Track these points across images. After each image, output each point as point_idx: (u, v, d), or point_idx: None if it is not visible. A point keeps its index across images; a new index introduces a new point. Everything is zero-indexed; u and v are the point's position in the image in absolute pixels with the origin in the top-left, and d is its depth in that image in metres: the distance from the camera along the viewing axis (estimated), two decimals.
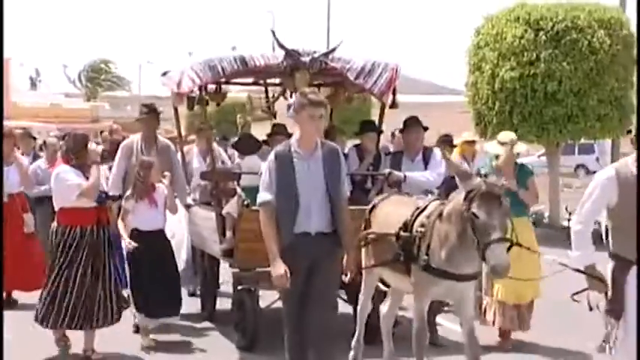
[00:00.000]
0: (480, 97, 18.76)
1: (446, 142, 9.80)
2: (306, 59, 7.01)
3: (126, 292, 7.07)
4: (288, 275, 5.00)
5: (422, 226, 5.47)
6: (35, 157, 10.82)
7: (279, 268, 5.05)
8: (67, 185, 6.62)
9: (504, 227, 4.91)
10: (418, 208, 5.66)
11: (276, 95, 8.12)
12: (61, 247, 6.61)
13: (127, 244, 6.92)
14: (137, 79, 49.30)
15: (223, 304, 8.09)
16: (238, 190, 6.98)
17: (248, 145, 7.39)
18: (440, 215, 5.36)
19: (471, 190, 4.99)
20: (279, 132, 7.28)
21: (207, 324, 7.93)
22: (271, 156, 5.25)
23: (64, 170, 6.70)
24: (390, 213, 5.93)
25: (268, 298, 7.12)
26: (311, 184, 5.13)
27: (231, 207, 6.99)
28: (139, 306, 7.00)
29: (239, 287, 7.06)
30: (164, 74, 8.07)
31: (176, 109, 8.19)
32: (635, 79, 17.98)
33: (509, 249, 4.94)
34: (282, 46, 7.03)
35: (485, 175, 5.12)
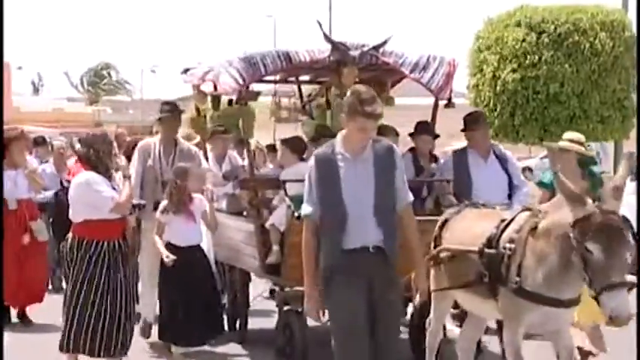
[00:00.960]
0: (482, 100, 18.71)
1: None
2: (355, 53, 6.01)
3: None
4: (322, 312, 4.14)
5: (511, 241, 4.44)
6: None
7: (312, 300, 4.16)
8: (102, 197, 5.58)
9: (625, 268, 3.95)
10: (503, 221, 4.63)
11: (313, 94, 7.03)
12: (81, 262, 5.59)
13: (165, 259, 5.93)
14: (139, 83, 48.04)
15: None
16: (286, 199, 5.89)
17: (297, 147, 6.32)
18: (533, 230, 4.32)
19: (584, 217, 3.98)
20: (325, 134, 6.21)
21: (236, 346, 6.84)
22: (311, 160, 4.24)
23: (94, 180, 5.62)
24: (467, 227, 4.91)
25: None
26: (360, 190, 4.13)
27: (276, 218, 5.93)
28: (170, 333, 5.88)
29: (285, 308, 5.97)
30: (185, 71, 6.98)
31: (198, 110, 7.07)
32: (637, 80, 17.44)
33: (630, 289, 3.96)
34: (328, 39, 5.99)
35: (599, 199, 4.05)
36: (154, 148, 6.80)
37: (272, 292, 8.07)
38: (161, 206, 6.13)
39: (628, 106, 18.22)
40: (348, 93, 4.24)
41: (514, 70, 16.88)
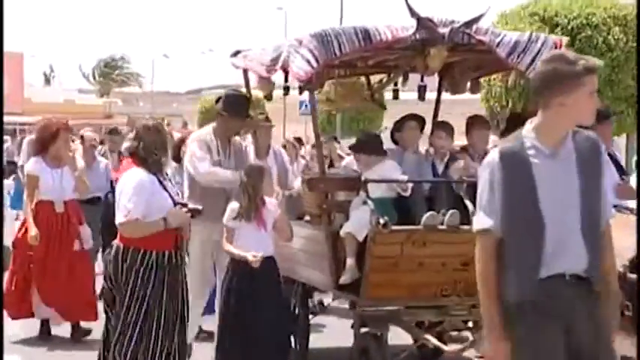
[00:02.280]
0: (493, 95, 17.60)
1: None
2: (445, 31, 4.74)
3: None
4: None
5: None
6: None
7: (497, 347, 2.87)
8: (162, 201, 4.39)
9: None
10: None
11: (384, 80, 5.73)
12: (127, 275, 4.38)
13: (252, 258, 4.73)
14: (150, 75, 46.21)
15: None
16: (370, 203, 4.63)
17: (375, 147, 5.04)
18: None
19: None
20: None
21: None
22: (493, 157, 2.94)
23: (151, 180, 4.40)
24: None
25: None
26: (562, 198, 2.88)
27: (355, 225, 4.68)
28: (231, 356, 4.66)
29: (363, 330, 4.73)
30: (236, 54, 5.65)
31: (249, 100, 5.74)
32: None
33: None
34: (414, 14, 4.71)
35: None
36: (211, 142, 5.50)
37: (322, 304, 6.89)
38: (230, 210, 4.89)
39: None
40: (540, 63, 2.97)
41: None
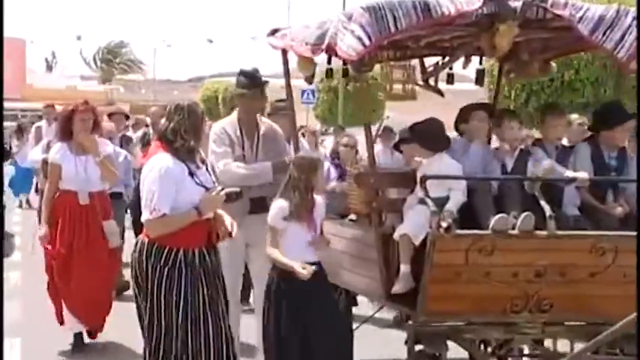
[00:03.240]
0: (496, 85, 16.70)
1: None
2: (516, 4, 3.91)
3: None
4: None
5: None
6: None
7: None
8: (193, 193, 3.63)
9: None
10: None
11: (440, 63, 4.86)
12: (152, 275, 3.63)
13: (301, 271, 3.84)
14: (152, 62, 44.90)
15: None
16: (429, 203, 3.79)
17: (436, 139, 4.19)
18: None
19: None
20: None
21: None
22: None
23: (180, 169, 3.63)
24: None
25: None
26: None
27: (412, 227, 3.86)
28: None
29: (417, 348, 3.93)
30: (273, 33, 4.77)
31: (290, 86, 4.88)
32: None
33: None
34: None
35: None
36: (236, 131, 4.67)
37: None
38: (278, 209, 3.99)
39: None
40: None
41: None
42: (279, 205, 3.98)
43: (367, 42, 3.85)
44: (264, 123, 4.81)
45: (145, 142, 7.12)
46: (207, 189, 3.64)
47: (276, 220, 3.96)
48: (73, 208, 5.21)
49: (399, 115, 26.69)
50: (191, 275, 3.58)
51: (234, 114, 4.77)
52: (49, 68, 43.31)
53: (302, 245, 3.94)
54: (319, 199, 4.07)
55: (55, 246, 5.21)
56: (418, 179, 4.04)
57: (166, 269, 3.57)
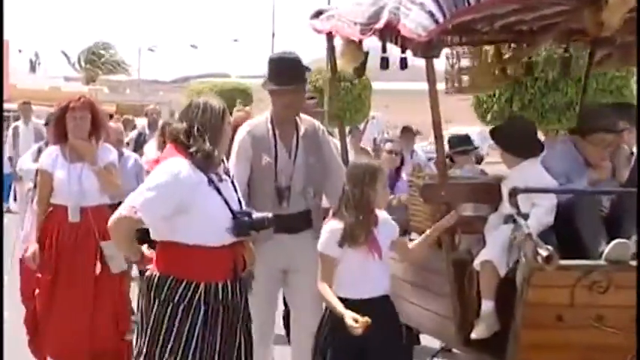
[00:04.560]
0: None
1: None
2: None
3: None
4: None
5: None
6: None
7: None
8: (213, 208, 2.82)
9: None
10: None
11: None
12: (159, 311, 2.81)
13: (350, 323, 2.87)
14: (136, 63, 43.39)
15: None
16: (522, 222, 2.78)
17: (524, 143, 3.18)
18: None
19: None
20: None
21: None
22: None
23: (197, 179, 2.79)
24: None
25: None
26: None
27: (496, 254, 2.86)
28: None
29: None
30: (317, 15, 3.84)
31: (335, 69, 4.02)
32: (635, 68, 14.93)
33: None
34: None
35: None
36: (268, 133, 3.63)
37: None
38: (330, 233, 3.03)
39: (626, 94, 15.96)
40: None
41: None
42: (331, 228, 3.04)
43: (440, 18, 2.92)
44: (305, 121, 3.74)
45: (142, 143, 6.13)
46: (232, 210, 2.78)
47: (329, 246, 3.01)
48: (61, 227, 4.09)
49: (384, 116, 25.77)
50: (210, 314, 2.78)
51: (266, 113, 3.74)
52: (33, 69, 41.68)
53: (365, 276, 2.96)
54: (384, 215, 3.10)
55: (41, 272, 4.09)
56: (504, 192, 3.02)
57: (180, 307, 2.74)
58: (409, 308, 3.46)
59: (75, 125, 4.05)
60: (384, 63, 3.61)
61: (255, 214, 2.81)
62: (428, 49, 3.07)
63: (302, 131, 3.66)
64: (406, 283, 3.47)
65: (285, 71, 3.57)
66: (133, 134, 7.78)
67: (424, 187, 3.36)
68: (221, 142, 2.80)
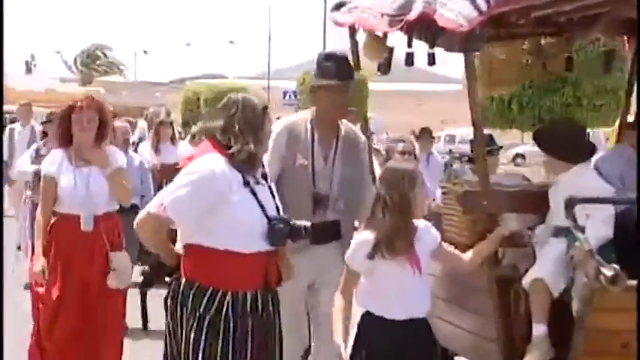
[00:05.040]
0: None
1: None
2: None
3: None
4: None
5: None
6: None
7: None
8: (247, 212, 2.54)
9: None
10: None
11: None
12: (188, 323, 2.56)
13: (342, 354, 2.66)
14: (132, 64, 42.95)
15: None
16: (580, 237, 2.43)
17: (574, 146, 2.84)
18: None
19: None
20: None
21: None
22: None
23: (231, 177, 2.53)
24: None
25: None
26: None
27: (548, 272, 2.55)
28: None
29: None
30: (338, 7, 3.54)
31: (358, 63, 3.63)
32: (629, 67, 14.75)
33: None
34: None
35: None
36: (306, 133, 3.29)
37: None
38: (360, 244, 2.70)
39: (622, 95, 15.79)
40: None
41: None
42: (362, 239, 2.69)
43: (484, 6, 2.55)
44: (346, 127, 3.41)
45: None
46: (267, 216, 2.50)
47: (357, 259, 2.65)
48: (72, 237, 3.70)
49: (379, 116, 25.47)
50: (240, 327, 2.50)
51: (308, 112, 3.38)
52: (29, 71, 41.22)
53: (401, 294, 2.59)
54: (423, 223, 2.76)
55: (47, 287, 3.68)
56: (553, 202, 2.66)
57: (208, 317, 2.49)
58: (444, 327, 3.14)
59: (81, 128, 3.67)
60: (410, 59, 3.27)
61: (294, 222, 2.55)
62: (468, 41, 2.70)
63: (342, 137, 3.31)
64: (441, 301, 3.10)
65: (338, 67, 3.22)
66: (135, 137, 7.44)
67: (464, 196, 3.00)
68: (262, 141, 2.54)
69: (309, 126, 3.28)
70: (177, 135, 7.36)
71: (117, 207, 3.85)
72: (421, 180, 2.70)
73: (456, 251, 2.84)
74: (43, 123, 6.52)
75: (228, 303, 2.49)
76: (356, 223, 3.45)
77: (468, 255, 2.82)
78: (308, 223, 2.59)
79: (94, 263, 3.69)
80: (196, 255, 2.51)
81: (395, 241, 2.60)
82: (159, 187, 6.28)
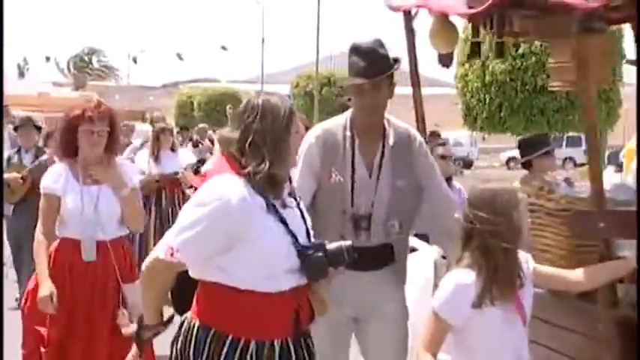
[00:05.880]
0: (470, 90, 16.86)
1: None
2: None
3: None
4: None
5: None
6: (37, 157, 5.92)
7: None
8: (273, 242, 1.96)
9: None
10: None
11: None
12: None
13: None
14: (125, 69, 42.69)
15: None
16: None
17: None
18: None
19: None
20: None
21: None
22: None
23: (252, 203, 1.96)
24: None
25: None
26: None
27: None
28: None
29: None
30: None
31: (416, 73, 3.13)
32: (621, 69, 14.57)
33: None
34: None
35: None
36: (344, 141, 2.70)
37: None
38: (459, 288, 2.12)
39: (614, 98, 16.54)
40: None
41: (503, 61, 14.37)
42: (460, 284, 2.11)
43: None
44: (396, 127, 2.75)
45: None
46: (298, 245, 2.02)
47: (459, 310, 2.10)
48: (74, 266, 3.15)
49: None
50: None
51: (346, 114, 2.76)
52: (22, 74, 41.21)
53: (500, 348, 2.12)
54: (525, 256, 2.22)
55: (49, 325, 3.10)
56: None
57: None
58: None
59: (91, 142, 3.12)
60: (477, 49, 2.90)
61: (329, 246, 2.03)
62: (593, 20, 2.15)
63: (391, 142, 2.68)
64: (542, 348, 2.41)
65: (366, 61, 2.61)
66: (137, 142, 7.08)
67: (576, 217, 2.35)
68: (285, 157, 2.02)
69: (348, 133, 2.66)
70: (177, 142, 7.04)
71: (126, 232, 3.28)
72: (523, 202, 2.16)
73: (556, 270, 2.32)
74: (15, 128, 6.30)
75: (251, 353, 1.99)
76: (414, 243, 2.97)
77: (574, 274, 2.28)
78: (348, 243, 2.04)
79: (102, 298, 3.13)
80: (213, 294, 2.02)
81: (507, 281, 2.08)
82: (157, 200, 6.07)
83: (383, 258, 2.66)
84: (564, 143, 24.99)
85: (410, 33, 3.01)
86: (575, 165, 24.70)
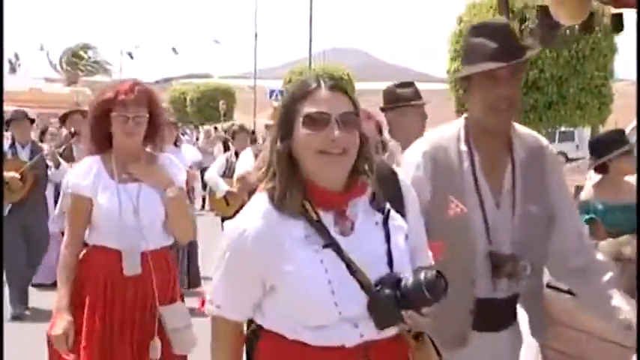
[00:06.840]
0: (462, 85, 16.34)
1: None
2: None
3: None
4: None
5: None
6: (33, 152, 5.89)
7: None
8: (312, 282, 1.48)
9: None
10: None
11: None
12: None
13: None
14: (118, 64, 42.49)
15: None
16: None
17: None
18: None
19: None
20: None
21: None
22: None
23: (284, 234, 1.53)
24: None
25: None
26: None
27: None
28: None
29: None
30: None
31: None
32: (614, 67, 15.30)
33: None
34: None
35: None
36: (460, 158, 2.05)
37: None
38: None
39: (605, 93, 16.85)
40: None
41: None
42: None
43: None
44: (522, 135, 2.15)
45: None
46: (364, 278, 1.53)
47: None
48: (110, 282, 2.57)
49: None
50: None
51: (458, 122, 2.15)
52: (13, 70, 41.11)
53: None
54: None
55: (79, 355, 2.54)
56: None
57: None
58: None
59: (126, 131, 2.55)
60: (620, 21, 2.62)
61: (407, 280, 1.49)
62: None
63: (519, 154, 2.08)
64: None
65: (493, 43, 1.98)
66: None
67: None
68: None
69: (462, 147, 2.04)
70: (180, 137, 6.82)
71: (171, 241, 2.70)
72: None
73: None
74: (7, 122, 6.17)
75: None
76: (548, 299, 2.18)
77: None
78: (430, 273, 1.50)
79: (143, 325, 2.54)
80: (266, 341, 1.61)
81: None
82: None
83: (507, 315, 2.08)
84: (556, 138, 25.25)
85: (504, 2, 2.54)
86: (567, 160, 24.78)
